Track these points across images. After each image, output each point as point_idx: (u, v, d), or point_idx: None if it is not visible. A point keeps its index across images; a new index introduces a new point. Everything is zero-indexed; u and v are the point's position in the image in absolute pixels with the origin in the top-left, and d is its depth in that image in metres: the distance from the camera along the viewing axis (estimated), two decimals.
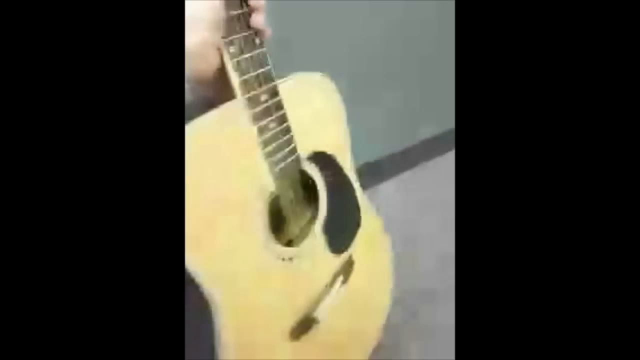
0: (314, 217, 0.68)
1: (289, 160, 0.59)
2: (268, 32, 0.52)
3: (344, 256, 0.75)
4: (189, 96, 0.54)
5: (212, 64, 0.49)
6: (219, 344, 0.56)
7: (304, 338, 0.68)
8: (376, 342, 0.90)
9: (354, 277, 0.77)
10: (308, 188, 0.68)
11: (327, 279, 0.71)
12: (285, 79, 0.59)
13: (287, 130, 0.58)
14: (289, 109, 0.58)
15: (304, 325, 0.68)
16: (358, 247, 0.78)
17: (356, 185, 0.76)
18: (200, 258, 0.50)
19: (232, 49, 0.49)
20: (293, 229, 0.67)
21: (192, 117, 0.47)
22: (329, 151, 0.69)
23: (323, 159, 0.67)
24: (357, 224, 0.78)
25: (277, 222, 0.65)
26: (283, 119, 0.57)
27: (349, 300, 0.77)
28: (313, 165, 0.66)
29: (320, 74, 0.66)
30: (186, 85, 0.52)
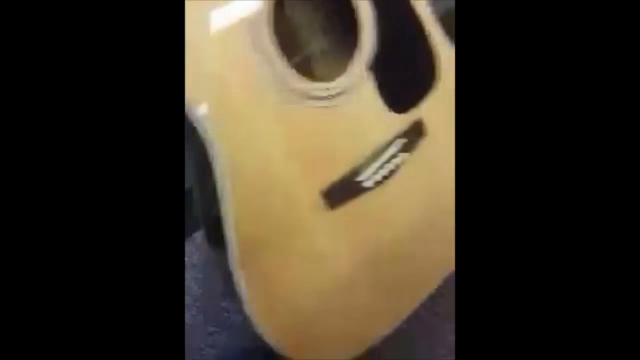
0: (351, 48, 0.53)
1: None
2: None
3: (407, 117, 0.59)
4: None
5: None
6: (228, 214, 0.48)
7: (345, 212, 0.55)
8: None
9: (429, 152, 0.61)
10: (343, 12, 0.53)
11: (379, 137, 0.57)
12: None
13: None
14: None
15: (344, 190, 0.55)
16: (436, 116, 0.61)
17: (434, 28, 0.59)
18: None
19: None
20: (319, 66, 0.54)
21: None
22: None
23: None
24: (429, 82, 0.60)
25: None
26: None
27: (417, 185, 0.61)
28: None
29: None
30: None
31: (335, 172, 0.54)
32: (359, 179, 0.55)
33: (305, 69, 0.52)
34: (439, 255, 0.64)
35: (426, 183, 0.61)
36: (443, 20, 0.60)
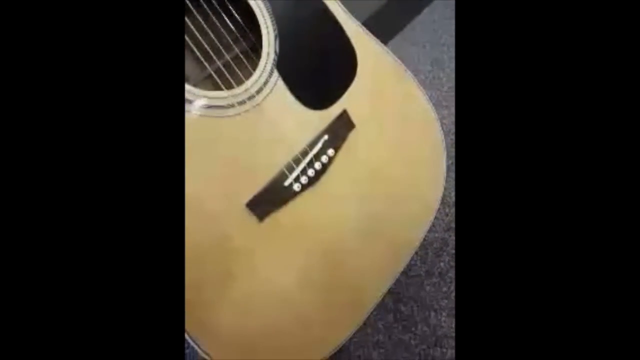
0: (254, 50, 0.51)
1: None
2: None
3: (330, 113, 0.56)
4: None
5: None
6: None
7: (277, 221, 0.53)
8: (408, 256, 0.68)
9: (359, 143, 0.59)
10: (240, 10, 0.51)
11: (300, 138, 0.54)
12: None
13: None
14: None
15: (269, 199, 0.52)
16: (361, 106, 0.59)
17: (345, 17, 0.57)
18: None
19: None
20: (233, 76, 0.51)
21: None
22: None
23: None
24: (349, 74, 0.58)
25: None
26: None
27: (351, 179, 0.59)
28: None
29: None
30: None
31: (258, 182, 0.52)
32: (286, 183, 0.53)
33: (221, 80, 0.50)
34: (383, 248, 0.62)
35: (359, 175, 0.59)
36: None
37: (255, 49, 0.53)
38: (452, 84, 1.04)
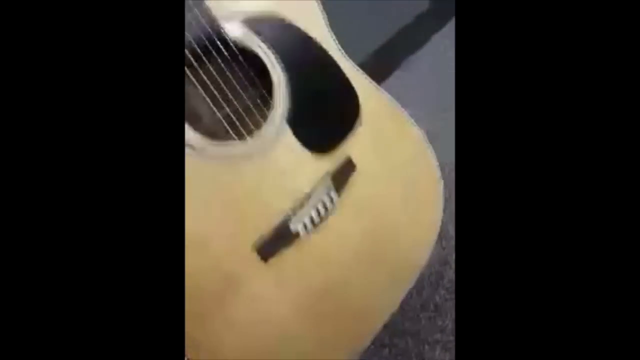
0: (264, 102, 0.54)
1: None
2: None
3: (334, 157, 0.59)
4: None
5: None
6: None
7: (281, 262, 0.55)
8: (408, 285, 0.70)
9: (361, 188, 0.61)
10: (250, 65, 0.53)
11: (305, 183, 0.57)
12: None
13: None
14: None
15: (275, 241, 0.55)
16: (364, 151, 0.61)
17: (347, 64, 0.60)
18: None
19: None
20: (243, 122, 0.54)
21: None
22: (284, 14, 0.53)
23: (274, 27, 0.53)
24: (352, 119, 0.61)
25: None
26: None
27: (352, 222, 0.61)
28: (254, 36, 0.51)
29: None
30: None
31: (264, 226, 0.54)
32: (291, 226, 0.55)
33: (230, 126, 0.52)
34: (381, 287, 0.65)
35: (360, 219, 0.62)
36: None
37: (263, 97, 0.55)
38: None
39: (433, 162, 0.69)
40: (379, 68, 1.18)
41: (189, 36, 0.47)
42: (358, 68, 0.61)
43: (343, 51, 0.59)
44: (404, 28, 1.29)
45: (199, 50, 0.48)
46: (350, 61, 0.60)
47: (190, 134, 0.48)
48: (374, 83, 0.63)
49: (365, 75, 0.62)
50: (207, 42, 0.48)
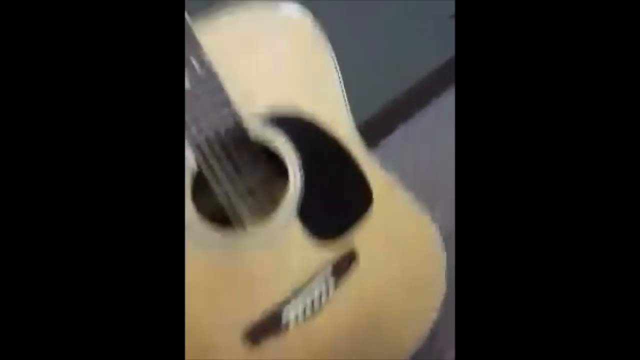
0: (275, 195, 0.53)
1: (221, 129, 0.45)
2: None
3: (337, 246, 0.59)
4: None
5: None
6: None
7: (269, 347, 0.56)
8: None
9: (359, 279, 0.61)
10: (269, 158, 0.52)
11: (303, 272, 0.57)
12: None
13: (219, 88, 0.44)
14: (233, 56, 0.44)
15: (266, 328, 0.55)
16: (369, 242, 0.61)
17: (361, 155, 0.58)
18: None
19: None
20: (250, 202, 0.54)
21: None
22: (303, 112, 0.52)
23: (293, 123, 0.52)
24: (362, 208, 0.60)
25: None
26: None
27: (344, 314, 0.61)
28: (276, 130, 0.50)
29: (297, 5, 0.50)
30: None
31: (256, 311, 0.54)
32: (283, 315, 0.55)
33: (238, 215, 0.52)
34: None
35: (355, 310, 0.62)
36: None
37: (275, 186, 0.55)
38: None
39: (442, 260, 0.68)
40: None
41: (211, 132, 0.46)
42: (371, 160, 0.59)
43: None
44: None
45: (218, 148, 0.47)
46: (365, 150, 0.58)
47: (194, 219, 0.48)
48: (388, 175, 0.61)
49: (380, 167, 0.60)
50: (231, 140, 0.48)
